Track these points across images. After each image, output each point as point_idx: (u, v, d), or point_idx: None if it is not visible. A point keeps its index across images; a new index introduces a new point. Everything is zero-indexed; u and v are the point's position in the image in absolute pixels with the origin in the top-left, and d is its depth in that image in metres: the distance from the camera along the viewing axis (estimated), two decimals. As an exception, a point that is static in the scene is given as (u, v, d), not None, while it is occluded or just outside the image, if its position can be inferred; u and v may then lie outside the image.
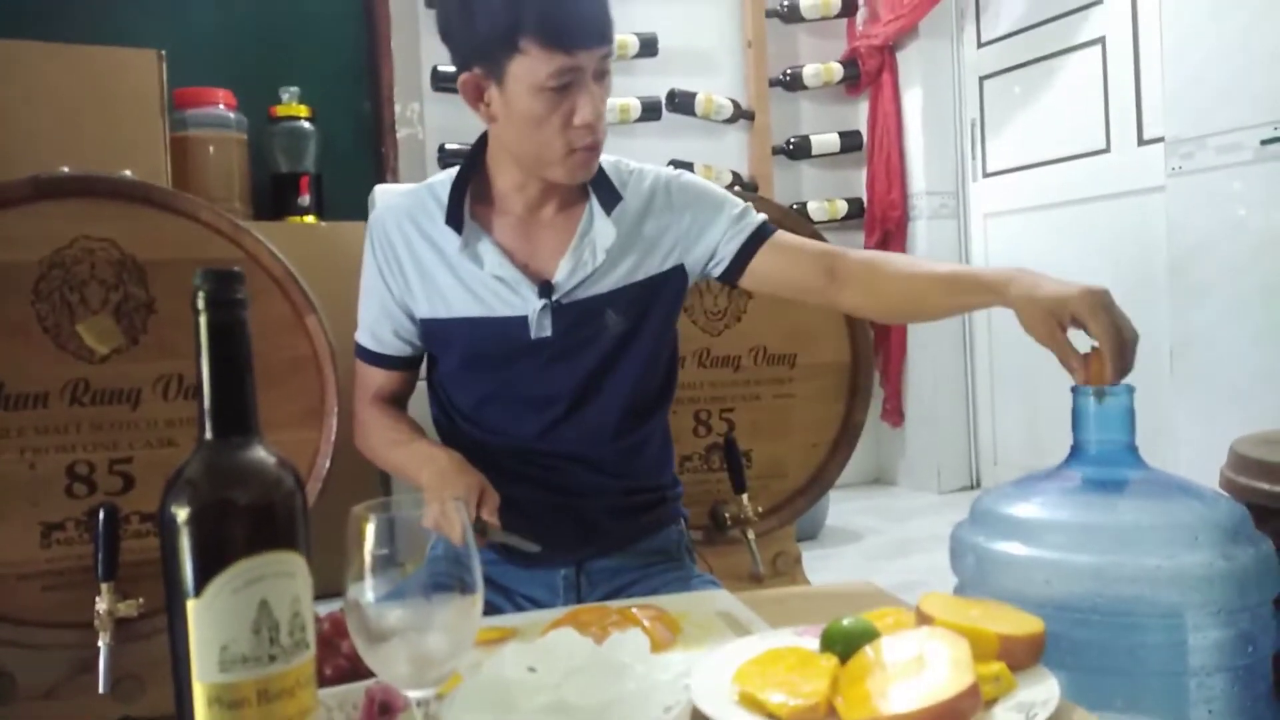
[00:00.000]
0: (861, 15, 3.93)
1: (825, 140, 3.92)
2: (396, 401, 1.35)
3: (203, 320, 0.60)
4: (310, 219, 3.07)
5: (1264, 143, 2.35)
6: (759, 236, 1.29)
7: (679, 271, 1.30)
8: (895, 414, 3.93)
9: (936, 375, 3.82)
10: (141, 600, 1.49)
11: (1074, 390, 0.98)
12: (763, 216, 1.32)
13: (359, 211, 2.79)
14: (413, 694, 0.63)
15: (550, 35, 1.10)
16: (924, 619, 0.78)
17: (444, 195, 1.25)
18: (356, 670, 0.76)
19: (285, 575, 0.59)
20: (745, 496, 1.79)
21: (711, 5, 3.83)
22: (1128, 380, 0.97)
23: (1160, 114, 2.72)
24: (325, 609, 0.75)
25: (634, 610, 0.95)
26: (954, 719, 0.65)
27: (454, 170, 1.28)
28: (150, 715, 1.52)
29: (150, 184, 1.62)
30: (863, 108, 3.98)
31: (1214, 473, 1.31)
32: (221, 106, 2.92)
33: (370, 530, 0.61)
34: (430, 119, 3.41)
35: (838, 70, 3.89)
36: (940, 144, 3.82)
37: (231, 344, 0.61)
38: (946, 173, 3.83)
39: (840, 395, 1.93)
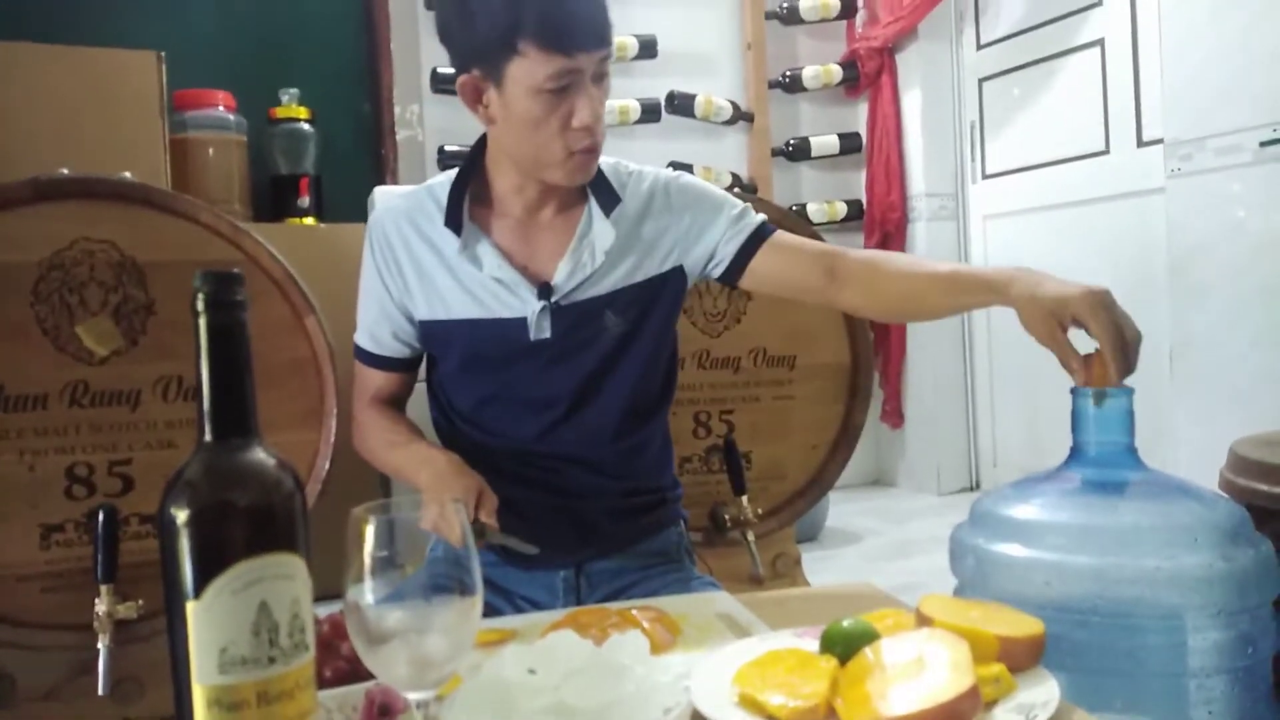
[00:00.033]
0: (861, 17, 3.93)
1: (825, 142, 3.93)
2: (395, 403, 1.35)
3: (202, 322, 0.60)
4: (310, 221, 3.07)
5: (1263, 144, 2.35)
6: (758, 236, 1.29)
7: (678, 273, 1.30)
8: (895, 415, 3.93)
9: (936, 376, 3.82)
10: (141, 602, 1.48)
11: (1073, 392, 0.98)
12: (762, 217, 1.32)
13: (358, 213, 2.79)
14: (412, 696, 0.63)
15: (549, 37, 1.10)
16: (924, 620, 0.78)
17: (443, 197, 1.25)
18: (356, 672, 0.76)
19: (285, 577, 0.59)
20: (745, 498, 1.79)
21: (711, 7, 3.83)
22: (1127, 382, 0.97)
23: (1159, 115, 2.72)
24: (325, 611, 0.75)
25: (634, 612, 0.95)
26: (954, 720, 0.65)
27: (453, 172, 1.28)
28: (150, 717, 1.52)
29: (150, 186, 1.62)
30: (862, 109, 3.98)
31: (1213, 474, 1.31)
32: (221, 108, 2.92)
33: (370, 532, 0.61)
34: (430, 121, 3.41)
35: (837, 72, 3.89)
36: (939, 146, 3.82)
37: (231, 345, 0.61)
38: (946, 174, 3.83)
39: (840, 397, 1.93)
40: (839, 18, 3.88)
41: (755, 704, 0.71)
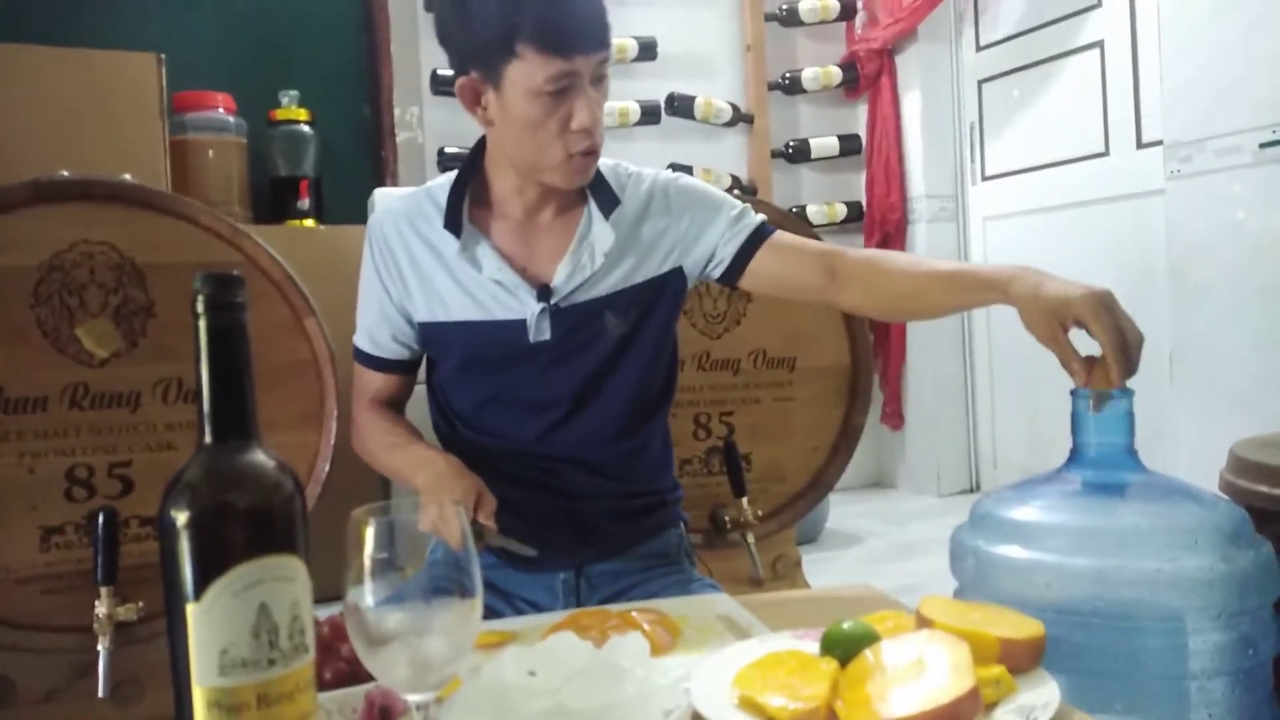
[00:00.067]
0: (860, 19, 3.93)
1: (824, 144, 3.93)
2: (394, 405, 1.35)
3: (202, 324, 0.60)
4: (309, 222, 3.07)
5: (1263, 146, 2.35)
6: (758, 237, 1.29)
7: (678, 274, 1.30)
8: (895, 417, 3.92)
9: (936, 378, 3.82)
10: (141, 604, 1.48)
11: (1074, 393, 0.97)
12: (761, 217, 1.31)
13: (358, 215, 2.79)
14: (412, 698, 0.63)
15: (547, 40, 1.10)
16: (924, 622, 0.78)
17: (442, 199, 1.25)
18: (356, 674, 0.76)
19: (285, 579, 0.59)
20: (745, 500, 1.79)
21: (710, 9, 3.83)
22: (1127, 383, 0.97)
23: (1159, 117, 2.72)
24: (325, 612, 0.75)
25: (634, 614, 0.95)
26: (954, 722, 0.65)
27: (452, 174, 1.27)
28: (150, 719, 1.52)
29: (149, 187, 1.62)
30: (862, 111, 3.98)
31: (1214, 476, 1.31)
32: (221, 110, 2.92)
33: (370, 534, 0.61)
34: (430, 123, 3.42)
35: (837, 74, 3.90)
36: (939, 147, 3.82)
37: (231, 347, 0.61)
38: (945, 176, 3.84)
39: (840, 398, 1.93)
40: (838, 19, 3.89)
41: (755, 706, 0.71)
